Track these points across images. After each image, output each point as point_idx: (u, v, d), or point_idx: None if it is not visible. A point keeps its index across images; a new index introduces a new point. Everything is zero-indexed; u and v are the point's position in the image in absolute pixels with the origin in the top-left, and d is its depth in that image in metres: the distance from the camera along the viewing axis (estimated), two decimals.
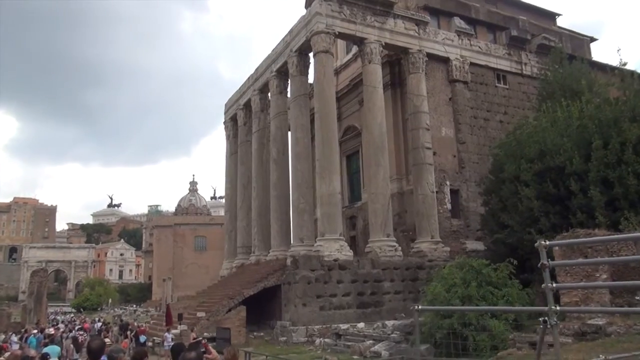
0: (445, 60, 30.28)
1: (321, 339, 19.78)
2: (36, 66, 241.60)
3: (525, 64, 33.16)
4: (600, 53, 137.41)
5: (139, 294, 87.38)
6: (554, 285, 4.13)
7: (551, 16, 39.66)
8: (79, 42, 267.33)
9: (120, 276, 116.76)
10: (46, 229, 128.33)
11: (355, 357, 16.20)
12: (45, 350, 14.18)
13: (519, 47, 33.60)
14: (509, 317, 13.88)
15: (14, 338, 20.95)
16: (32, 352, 6.78)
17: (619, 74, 20.83)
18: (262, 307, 25.17)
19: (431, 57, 29.36)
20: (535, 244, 4.21)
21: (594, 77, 24.24)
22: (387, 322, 18.92)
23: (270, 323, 24.58)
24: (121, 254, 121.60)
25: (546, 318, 4.01)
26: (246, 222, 34.26)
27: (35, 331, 20.91)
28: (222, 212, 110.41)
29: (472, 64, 30.91)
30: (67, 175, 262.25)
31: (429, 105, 28.60)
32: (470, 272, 15.48)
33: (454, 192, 28.76)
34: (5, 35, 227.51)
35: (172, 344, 16.08)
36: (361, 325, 19.70)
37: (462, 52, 30.81)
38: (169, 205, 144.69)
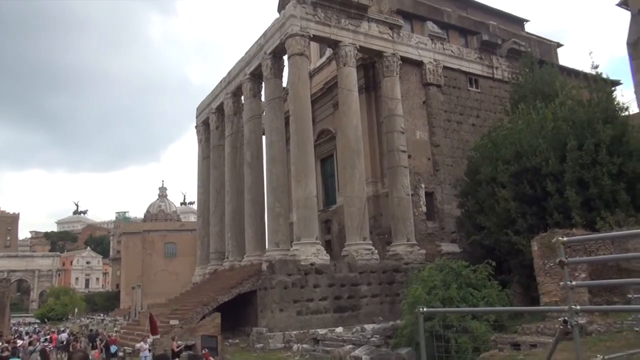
0: (419, 64, 30.44)
1: (299, 344, 19.42)
2: None
3: (496, 67, 33.69)
4: (565, 58, 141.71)
5: (107, 302, 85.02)
6: (574, 283, 3.95)
7: (520, 22, 40.52)
8: (42, 46, 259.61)
9: (87, 285, 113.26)
10: (8, 238, 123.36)
11: None
12: None
13: (490, 51, 34.10)
14: (490, 318, 13.85)
15: None
16: None
17: (591, 77, 21.28)
18: (237, 314, 24.64)
19: (405, 60, 29.50)
20: (553, 240, 4.03)
21: (564, 80, 24.76)
22: (365, 325, 18.71)
23: (246, 330, 24.07)
24: (87, 262, 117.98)
25: (566, 318, 3.82)
26: (219, 227, 33.60)
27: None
28: (192, 218, 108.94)
29: (445, 67, 31.20)
30: (30, 182, 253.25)
31: (404, 108, 28.69)
32: (450, 274, 15.42)
33: (429, 195, 28.86)
34: None
35: (149, 354, 15.51)
36: (339, 329, 19.44)
37: (436, 56, 31.06)
38: (137, 212, 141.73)
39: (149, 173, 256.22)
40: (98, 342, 20.80)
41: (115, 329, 35.15)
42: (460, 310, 12.82)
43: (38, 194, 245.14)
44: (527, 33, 39.77)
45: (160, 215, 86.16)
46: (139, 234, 77.26)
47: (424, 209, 28.44)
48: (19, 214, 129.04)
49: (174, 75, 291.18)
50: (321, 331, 19.20)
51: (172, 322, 22.63)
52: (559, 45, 41.00)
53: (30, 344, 22.67)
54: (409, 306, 15.08)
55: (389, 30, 29.14)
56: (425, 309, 5.54)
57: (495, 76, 33.55)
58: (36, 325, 57.06)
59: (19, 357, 14.10)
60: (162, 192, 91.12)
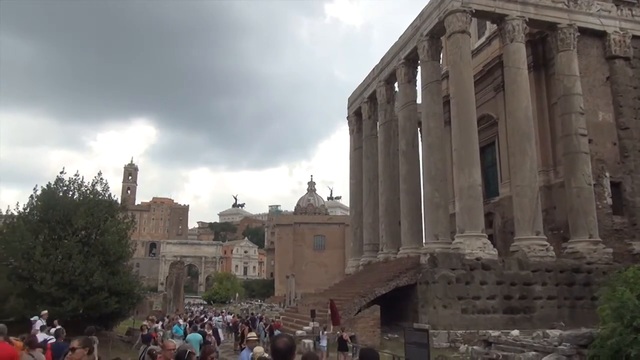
0: (601, 35, 26.41)
1: (466, 345, 17.75)
2: (172, 78, 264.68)
3: None
4: None
5: (263, 289, 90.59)
6: None
7: None
8: (207, 54, 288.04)
9: (245, 272, 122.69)
10: (180, 227, 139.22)
11: None
12: (187, 337, 14.17)
13: None
14: None
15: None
16: (193, 348, 6.06)
17: None
18: (392, 308, 23.63)
19: (583, 32, 25.84)
20: None
21: None
22: (548, 331, 16.34)
23: (404, 325, 22.91)
24: (245, 251, 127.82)
25: None
26: (372, 218, 32.98)
27: (181, 320, 21.45)
28: (339, 212, 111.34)
29: (634, 37, 26.68)
30: (197, 178, 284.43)
31: (582, 86, 25.11)
32: None
33: (615, 185, 24.86)
34: (145, 51, 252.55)
35: (325, 345, 15.46)
36: (515, 332, 17.28)
37: (622, 24, 26.70)
38: (288, 206, 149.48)
39: (299, 169, 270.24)
40: (263, 326, 21.42)
41: (276, 315, 36.63)
42: None
43: (204, 189, 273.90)
44: None
45: (309, 208, 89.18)
46: (290, 226, 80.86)
47: (609, 201, 24.56)
48: (188, 205, 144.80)
49: (322, 74, 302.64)
50: (493, 333, 17.26)
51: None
52: None
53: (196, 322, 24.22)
54: (612, 312, 12.56)
55: None
56: None
57: None
58: (203, 306, 62.75)
59: (199, 332, 14.76)
60: (311, 187, 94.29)
